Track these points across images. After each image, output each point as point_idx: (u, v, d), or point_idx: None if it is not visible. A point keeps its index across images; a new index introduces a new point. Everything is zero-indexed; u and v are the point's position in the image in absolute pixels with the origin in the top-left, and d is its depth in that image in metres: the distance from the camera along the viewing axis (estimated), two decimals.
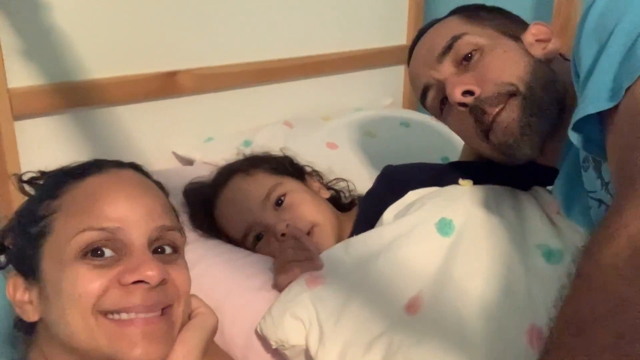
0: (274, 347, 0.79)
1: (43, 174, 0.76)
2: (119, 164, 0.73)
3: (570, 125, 0.63)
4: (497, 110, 0.84)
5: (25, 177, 0.75)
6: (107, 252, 0.64)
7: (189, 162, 1.36)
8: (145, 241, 0.66)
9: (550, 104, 0.84)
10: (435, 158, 1.35)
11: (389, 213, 0.91)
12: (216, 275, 0.90)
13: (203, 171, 1.22)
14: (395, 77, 1.82)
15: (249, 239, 1.01)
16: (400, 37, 1.80)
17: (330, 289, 0.80)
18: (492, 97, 0.85)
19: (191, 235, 1.01)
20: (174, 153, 1.36)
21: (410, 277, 0.80)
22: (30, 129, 1.12)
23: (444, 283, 0.78)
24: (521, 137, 0.84)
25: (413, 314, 0.76)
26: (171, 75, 1.28)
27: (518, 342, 0.70)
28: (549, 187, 0.92)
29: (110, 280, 0.63)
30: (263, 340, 0.82)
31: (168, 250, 0.69)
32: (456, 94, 0.86)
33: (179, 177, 1.19)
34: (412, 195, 0.93)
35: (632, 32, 0.58)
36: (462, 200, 0.88)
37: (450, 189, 0.92)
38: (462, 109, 0.87)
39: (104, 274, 0.63)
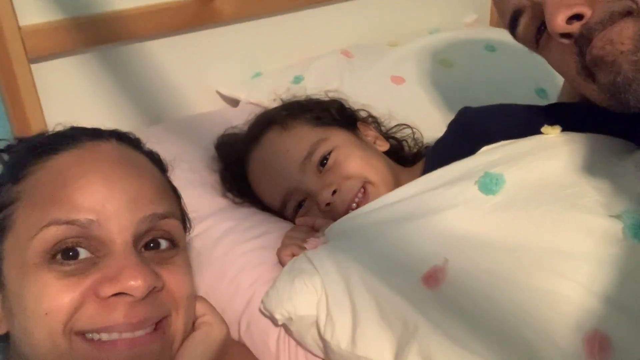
0: (280, 322, 0.69)
1: (20, 141, 0.64)
2: (97, 135, 0.60)
3: None
4: (610, 38, 0.63)
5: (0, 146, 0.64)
6: (82, 253, 0.52)
7: (234, 102, 1.24)
8: (130, 237, 0.53)
9: None
10: (528, 90, 1.19)
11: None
12: (242, 255, 0.77)
13: (249, 114, 1.07)
14: None
15: (289, 208, 0.86)
16: None
17: (334, 251, 0.70)
18: (605, 20, 0.63)
19: (221, 201, 0.89)
20: (217, 92, 1.24)
21: (433, 243, 0.67)
22: (50, 73, 1.04)
23: (480, 254, 0.64)
24: (634, 75, 0.62)
25: (432, 287, 0.64)
26: (207, 0, 1.14)
27: (572, 350, 0.56)
28: None
29: (83, 294, 0.51)
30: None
31: (164, 244, 0.57)
32: (558, 22, 0.64)
33: (222, 123, 1.07)
34: (485, 151, 0.75)
35: None
36: (532, 155, 0.71)
37: (526, 140, 0.74)
38: (565, 41, 0.65)
39: (76, 284, 0.51)
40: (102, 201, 0.53)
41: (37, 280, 0.51)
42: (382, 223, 0.72)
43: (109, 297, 0.51)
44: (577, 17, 0.64)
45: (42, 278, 0.51)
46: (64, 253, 0.52)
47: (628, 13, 0.62)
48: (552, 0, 0.67)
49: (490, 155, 0.74)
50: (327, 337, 0.66)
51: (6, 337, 0.58)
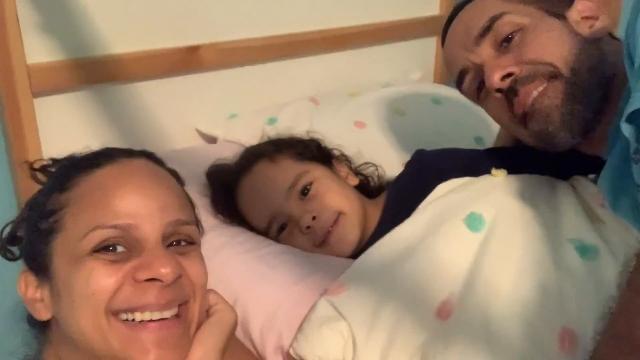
0: None
1: (55, 161, 0.73)
2: (130, 153, 0.69)
3: (624, 117, 0.58)
4: (531, 91, 0.79)
5: (36, 165, 0.72)
6: (120, 248, 0.61)
7: (212, 139, 1.33)
8: (159, 237, 0.63)
9: (596, 89, 0.78)
10: (468, 137, 1.31)
11: (418, 210, 0.87)
12: (238, 264, 0.88)
13: (226, 150, 1.19)
14: (426, 49, 1.75)
15: (273, 230, 0.97)
16: (433, 8, 1.72)
17: (355, 296, 0.76)
18: (528, 77, 0.79)
19: (213, 221, 0.99)
20: (197, 130, 1.33)
21: (440, 279, 0.76)
22: (50, 106, 1.10)
23: (474, 284, 0.74)
24: (562, 124, 0.78)
25: (445, 319, 0.72)
26: (193, 49, 1.25)
27: (550, 347, 0.66)
28: (592, 176, 0.86)
29: (123, 276, 0.60)
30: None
31: (183, 242, 0.66)
32: (495, 80, 0.80)
33: (201, 156, 1.17)
34: (441, 189, 0.88)
35: None
36: (493, 193, 0.84)
37: (481, 180, 0.88)
38: (498, 95, 0.82)
39: (118, 269, 0.60)
40: (137, 208, 0.62)
41: (86, 267, 0.59)
42: (392, 265, 0.79)
43: (143, 281, 0.59)
44: (509, 75, 0.81)
45: (90, 265, 0.60)
46: (106, 247, 0.61)
47: (554, 75, 0.79)
48: (490, 63, 0.83)
49: (457, 193, 0.86)
50: None
51: (45, 327, 0.66)
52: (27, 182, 1.04)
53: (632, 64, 0.60)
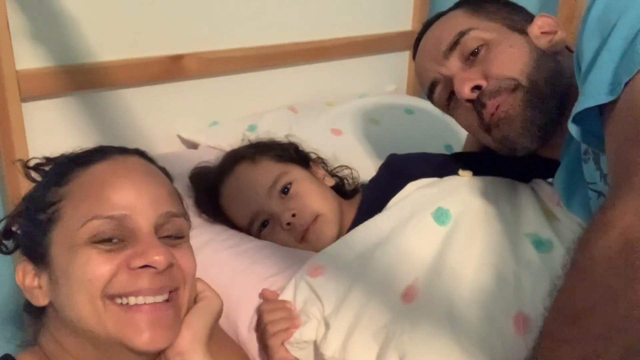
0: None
1: (48, 160, 0.77)
2: (124, 150, 0.74)
3: (570, 118, 0.64)
4: (497, 103, 0.86)
5: (30, 163, 0.76)
6: (115, 240, 0.65)
7: (193, 145, 1.37)
8: (152, 227, 0.67)
9: (552, 98, 0.85)
10: (438, 146, 1.37)
11: (390, 204, 0.93)
12: (222, 260, 0.92)
13: (208, 155, 1.23)
14: (399, 63, 1.82)
15: (255, 227, 1.02)
16: (406, 23, 1.80)
17: (330, 280, 0.82)
18: (493, 91, 0.86)
19: (197, 220, 1.03)
20: (179, 136, 1.37)
21: (407, 266, 0.81)
22: (38, 111, 1.13)
23: (439, 271, 0.79)
24: (522, 130, 0.85)
25: (409, 302, 0.77)
26: (177, 58, 1.29)
27: (506, 328, 0.72)
28: (550, 180, 0.93)
29: (118, 265, 0.64)
30: None
31: (174, 235, 0.70)
32: (465, 91, 0.87)
33: (183, 161, 1.21)
34: (411, 187, 0.94)
35: (634, 26, 0.59)
36: (460, 191, 0.90)
37: (449, 179, 0.94)
38: (468, 104, 0.88)
39: (113, 257, 0.64)
40: (132, 200, 0.66)
41: (83, 255, 0.63)
42: (364, 252, 0.85)
43: (137, 268, 0.63)
44: (478, 87, 0.88)
45: (88, 253, 0.63)
46: (101, 240, 0.64)
47: (516, 87, 0.86)
48: (459, 75, 0.90)
49: (427, 189, 0.92)
50: (323, 350, 0.76)
51: (41, 313, 0.69)
52: (15, 183, 1.09)
53: (580, 71, 0.67)
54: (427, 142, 1.36)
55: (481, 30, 0.90)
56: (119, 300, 0.64)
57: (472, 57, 0.89)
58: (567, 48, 0.91)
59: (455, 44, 0.90)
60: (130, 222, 0.65)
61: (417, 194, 0.91)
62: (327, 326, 0.77)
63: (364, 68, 1.72)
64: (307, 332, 0.79)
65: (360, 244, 0.87)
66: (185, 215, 0.73)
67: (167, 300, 0.66)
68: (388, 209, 0.91)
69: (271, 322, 0.80)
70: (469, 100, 0.88)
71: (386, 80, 1.78)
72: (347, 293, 0.79)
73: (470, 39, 0.89)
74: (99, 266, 0.63)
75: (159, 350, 0.66)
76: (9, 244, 0.74)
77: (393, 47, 1.77)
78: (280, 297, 0.83)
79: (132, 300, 0.64)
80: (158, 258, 0.64)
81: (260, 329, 0.82)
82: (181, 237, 0.71)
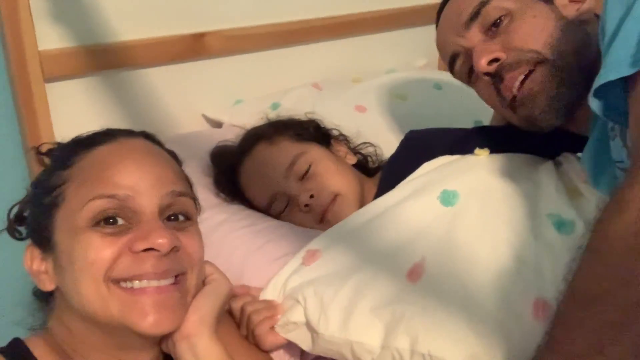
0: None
1: (60, 145, 0.76)
2: (129, 133, 0.72)
3: (591, 92, 0.60)
4: (518, 78, 0.82)
5: (42, 149, 0.75)
6: (119, 221, 0.64)
7: (218, 124, 1.37)
8: (157, 209, 0.65)
9: (580, 71, 0.80)
10: (467, 121, 1.30)
11: (400, 185, 0.90)
12: (237, 239, 0.91)
13: (232, 134, 1.22)
14: (430, 36, 1.67)
15: (273, 208, 1.01)
16: None
17: (328, 261, 0.80)
18: (513, 64, 0.83)
19: (214, 199, 1.03)
20: (203, 115, 1.37)
21: (411, 245, 0.79)
22: (61, 91, 1.14)
23: (450, 252, 0.76)
24: (548, 108, 0.82)
25: (414, 281, 0.75)
26: (199, 36, 1.28)
27: (524, 314, 0.69)
28: (580, 154, 0.89)
29: (121, 248, 0.62)
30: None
31: (181, 218, 0.68)
32: (482, 64, 0.83)
33: (207, 140, 1.21)
34: (425, 167, 0.91)
35: None
36: (473, 171, 0.87)
37: (463, 159, 0.91)
38: (486, 78, 0.85)
39: (115, 241, 0.62)
40: (135, 180, 0.64)
41: (85, 238, 0.62)
42: (365, 231, 0.83)
43: (140, 252, 0.62)
44: (497, 60, 0.84)
45: (89, 237, 0.62)
46: (105, 220, 0.63)
47: (539, 62, 0.82)
48: (478, 47, 0.86)
49: (438, 172, 0.89)
50: (322, 329, 0.74)
51: (50, 298, 0.69)
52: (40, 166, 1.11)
53: (604, 40, 0.63)
54: (455, 118, 1.30)
55: None
56: (123, 284, 0.63)
57: (493, 28, 0.85)
58: (596, 15, 0.86)
59: (476, 14, 0.86)
60: (133, 202, 0.64)
61: (428, 176, 0.89)
62: (323, 305, 0.75)
63: (392, 43, 1.67)
64: (295, 313, 0.77)
65: (361, 225, 0.85)
66: (192, 197, 0.72)
67: (173, 284, 0.65)
68: (396, 190, 0.89)
69: (254, 311, 0.78)
70: (487, 74, 0.84)
71: (416, 55, 1.74)
72: (346, 272, 0.78)
73: (492, 9, 0.85)
74: (101, 250, 0.62)
75: (165, 334, 0.65)
76: (23, 230, 0.74)
77: (423, 20, 1.68)
78: (261, 296, 0.81)
79: (136, 284, 0.63)
80: (161, 241, 0.62)
81: (244, 323, 0.79)
82: (188, 219, 0.69)
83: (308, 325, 0.76)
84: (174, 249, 0.64)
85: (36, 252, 0.68)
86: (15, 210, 0.73)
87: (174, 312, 0.64)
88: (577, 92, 0.81)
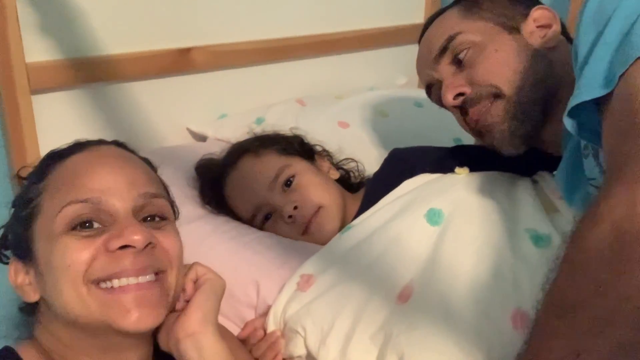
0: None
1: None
2: (100, 142, 0.74)
3: (566, 112, 0.64)
4: (477, 112, 0.87)
5: (22, 173, 0.76)
6: (95, 224, 0.64)
7: (202, 138, 1.37)
8: (130, 209, 0.66)
9: (536, 104, 0.85)
10: (447, 138, 1.34)
11: (384, 202, 0.93)
12: (224, 250, 0.93)
13: (216, 148, 1.22)
14: (410, 55, 1.71)
15: (257, 219, 1.03)
16: (418, 15, 1.78)
17: (322, 288, 0.82)
18: (474, 99, 0.88)
19: (201, 210, 1.04)
20: (188, 129, 1.38)
21: (401, 268, 0.81)
22: (47, 103, 1.14)
23: (433, 270, 0.79)
24: (503, 139, 0.87)
25: (404, 302, 0.77)
26: (185, 51, 1.29)
27: (503, 325, 0.72)
28: (555, 172, 0.92)
29: (97, 249, 0.63)
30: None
31: (157, 218, 0.69)
32: (448, 99, 0.89)
33: (192, 153, 1.22)
34: (407, 185, 0.94)
35: (629, 18, 0.58)
36: (454, 189, 0.90)
37: (444, 178, 0.94)
38: (455, 110, 0.89)
39: (91, 242, 0.63)
40: (107, 184, 0.65)
41: (61, 243, 0.63)
42: (357, 256, 0.85)
43: (116, 250, 0.62)
44: (462, 94, 0.88)
45: (65, 241, 0.63)
46: (81, 225, 0.64)
47: (497, 95, 0.86)
48: (446, 82, 0.91)
49: (421, 190, 0.92)
50: (322, 358, 0.76)
51: (35, 310, 0.69)
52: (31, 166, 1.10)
53: (577, 64, 0.66)
54: (435, 135, 1.33)
55: (470, 32, 0.90)
56: (103, 285, 0.63)
57: (460, 60, 0.90)
58: (568, 39, 0.90)
59: (444, 49, 0.91)
60: (107, 205, 0.65)
61: (411, 195, 0.91)
62: (322, 335, 0.77)
63: (374, 61, 1.71)
64: (296, 347, 0.79)
65: (351, 248, 0.87)
66: (167, 199, 0.73)
67: (153, 281, 0.66)
68: (379, 209, 0.91)
69: (260, 356, 0.81)
70: (454, 106, 0.90)
71: (397, 73, 1.77)
72: (341, 299, 0.79)
73: (458, 44, 0.90)
74: (77, 252, 0.63)
75: (147, 330, 0.65)
76: (9, 253, 0.73)
77: (405, 40, 1.74)
78: (268, 327, 0.83)
79: (115, 282, 0.63)
80: (136, 237, 0.63)
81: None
82: (164, 219, 0.70)
83: (309, 356, 0.78)
84: (150, 245, 0.65)
85: (19, 266, 0.68)
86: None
87: (155, 309, 0.65)
88: (533, 124, 0.85)
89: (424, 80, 0.98)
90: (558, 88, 0.83)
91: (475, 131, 0.90)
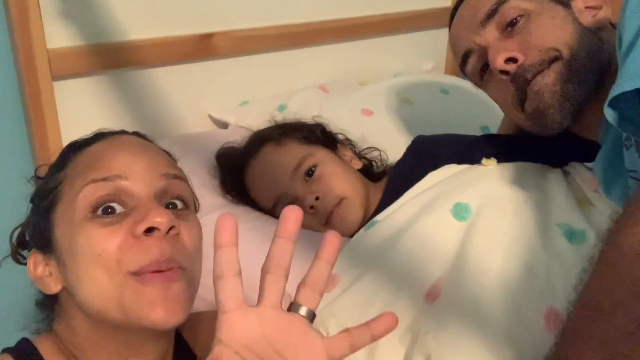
0: None
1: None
2: (122, 132, 0.73)
3: (607, 101, 0.60)
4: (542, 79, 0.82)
5: (39, 173, 0.75)
6: (117, 208, 0.63)
7: (224, 125, 1.36)
8: (152, 192, 0.64)
9: (592, 73, 0.80)
10: (474, 127, 1.32)
11: (408, 196, 0.90)
12: (244, 240, 0.87)
13: (237, 135, 1.21)
14: (438, 40, 1.76)
15: (278, 209, 1.00)
16: None
17: (347, 287, 0.79)
18: (536, 65, 0.82)
19: (221, 200, 1.03)
20: (209, 116, 1.37)
21: (428, 266, 0.79)
22: (69, 89, 1.14)
23: (461, 268, 0.76)
24: (552, 102, 0.81)
25: (431, 302, 0.75)
26: (207, 37, 1.28)
27: (536, 326, 0.69)
28: (590, 164, 0.88)
29: (124, 235, 0.61)
30: None
31: (179, 205, 0.67)
32: (499, 61, 0.83)
33: (213, 140, 1.21)
34: (432, 177, 0.91)
35: None
36: (481, 182, 0.86)
37: (471, 170, 0.90)
38: (503, 77, 0.84)
39: (117, 230, 0.61)
40: (128, 165, 0.64)
41: (84, 231, 0.61)
42: (382, 254, 0.82)
43: (142, 235, 0.60)
44: (513, 60, 0.84)
45: (88, 229, 0.61)
46: (103, 209, 0.62)
47: (555, 58, 0.82)
48: (495, 45, 0.86)
49: (447, 183, 0.89)
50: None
51: (55, 302, 0.68)
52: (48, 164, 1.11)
53: (621, 50, 0.62)
54: (462, 122, 1.32)
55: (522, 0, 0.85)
56: (135, 277, 0.61)
57: (509, 27, 0.85)
58: (612, 25, 0.86)
59: (493, 12, 0.86)
60: (128, 186, 0.63)
61: (437, 189, 0.88)
62: None
63: (400, 46, 1.67)
64: None
65: (375, 247, 0.84)
66: (188, 183, 0.71)
67: (179, 274, 0.63)
68: (404, 204, 0.88)
69: None
70: (503, 72, 0.84)
71: (424, 58, 1.74)
72: (366, 299, 0.77)
73: (510, 8, 0.85)
74: (104, 241, 0.61)
75: (172, 327, 0.63)
76: (26, 254, 0.72)
77: (431, 24, 1.71)
78: None
79: (147, 277, 0.61)
80: (160, 219, 0.61)
81: None
82: (186, 207, 0.68)
83: None
84: (173, 230, 0.63)
85: (38, 258, 0.67)
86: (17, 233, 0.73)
87: (181, 305, 0.63)
88: (587, 93, 0.81)
89: (462, 47, 0.91)
90: (608, 67, 0.79)
91: (522, 99, 0.84)
